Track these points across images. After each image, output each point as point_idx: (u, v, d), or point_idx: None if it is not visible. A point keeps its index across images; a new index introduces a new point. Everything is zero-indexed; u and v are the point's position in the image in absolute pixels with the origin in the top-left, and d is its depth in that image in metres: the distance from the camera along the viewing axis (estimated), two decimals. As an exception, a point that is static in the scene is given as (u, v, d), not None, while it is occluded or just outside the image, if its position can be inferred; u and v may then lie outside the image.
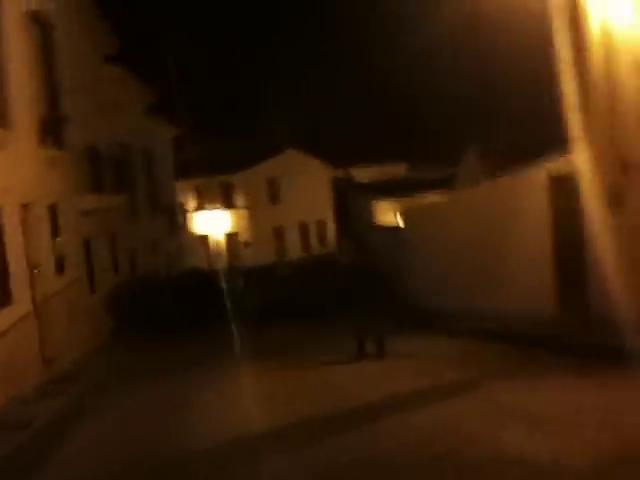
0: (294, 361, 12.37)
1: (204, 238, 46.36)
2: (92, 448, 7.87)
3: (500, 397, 7.82)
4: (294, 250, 45.61)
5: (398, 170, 52.25)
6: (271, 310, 19.34)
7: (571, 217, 11.27)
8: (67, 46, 15.87)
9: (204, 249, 45.36)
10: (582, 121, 10.26)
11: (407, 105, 46.75)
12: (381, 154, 50.74)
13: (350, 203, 49.40)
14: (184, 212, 41.53)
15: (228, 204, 46.59)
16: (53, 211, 13.47)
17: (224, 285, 20.36)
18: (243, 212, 46.34)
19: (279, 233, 46.99)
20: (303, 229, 47.88)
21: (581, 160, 10.84)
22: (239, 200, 46.43)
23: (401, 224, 24.71)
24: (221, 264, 38.32)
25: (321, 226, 48.55)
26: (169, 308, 18.66)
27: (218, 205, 46.64)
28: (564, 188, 11.42)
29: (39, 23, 14.05)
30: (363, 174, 51.88)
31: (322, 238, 48.14)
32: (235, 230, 46.91)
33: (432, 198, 29.75)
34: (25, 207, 11.55)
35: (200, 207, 46.64)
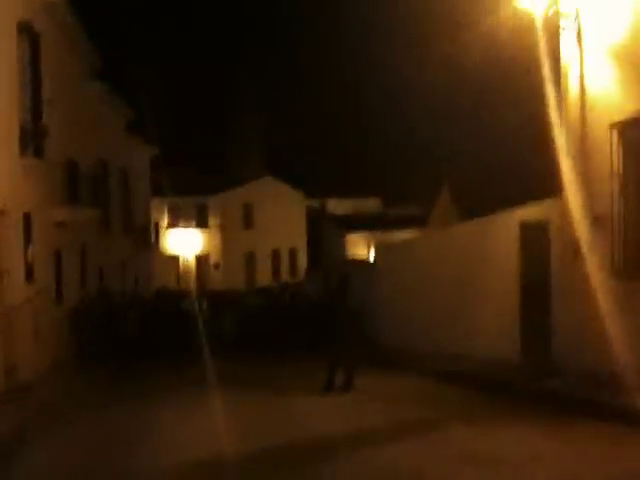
0: (260, 390, 12.32)
1: (174, 258, 46.16)
2: (43, 470, 7.71)
3: (458, 439, 7.96)
4: (264, 276, 45.57)
5: (372, 204, 52.74)
6: (239, 339, 19.29)
7: (539, 264, 11.53)
8: (52, 58, 15.93)
9: (174, 269, 45.13)
10: (560, 172, 10.58)
11: (385, 140, 47.38)
12: (356, 188, 51.23)
13: (323, 234, 49.68)
14: (157, 230, 41.37)
15: (201, 225, 46.55)
16: (27, 220, 13.41)
17: (194, 310, 20.08)
18: (215, 234, 46.28)
19: (250, 258, 46.96)
20: (275, 256, 47.92)
21: (552, 209, 11.16)
22: (212, 222, 46.41)
23: (372, 259, 24.95)
24: (190, 285, 38.12)
25: (293, 254, 48.66)
26: (131, 334, 17.49)
27: (191, 225, 46.56)
28: (533, 235, 11.68)
29: (27, 33, 14.11)
30: (338, 206, 52.29)
31: (293, 266, 48.21)
32: (206, 251, 46.80)
33: (404, 235, 30.04)
34: (0, 214, 11.52)
35: (173, 226, 46.52)
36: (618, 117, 9.44)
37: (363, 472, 6.74)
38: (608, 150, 9.59)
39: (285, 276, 46.59)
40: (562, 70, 10.51)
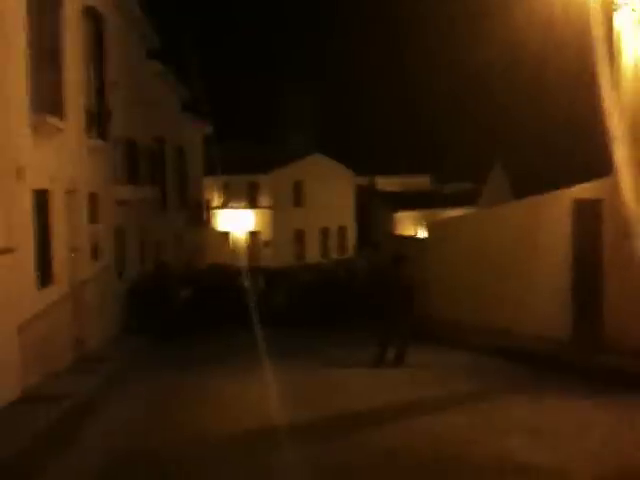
0: (311, 362, 12.75)
1: (226, 235, 46.95)
2: (118, 427, 8.34)
3: (507, 409, 8.25)
4: (313, 254, 46.06)
5: (422, 182, 52.61)
6: (295, 313, 19.71)
7: (592, 242, 11.63)
8: (115, 41, 16.49)
9: (225, 246, 45.93)
10: (613, 151, 10.63)
11: (436, 117, 47.08)
12: (406, 165, 51.15)
13: (372, 211, 49.82)
14: (209, 208, 42.11)
15: (252, 203, 47.15)
16: (92, 199, 14.03)
17: (246, 284, 20.66)
18: (266, 212, 46.85)
19: (300, 236, 47.44)
20: (324, 234, 48.30)
21: (606, 188, 11.23)
22: (263, 200, 46.95)
23: (423, 236, 25.10)
24: (241, 262, 38.80)
25: (342, 232, 48.95)
26: (181, 309, 18.15)
27: (243, 203, 47.23)
28: (586, 213, 11.77)
29: (92, 18, 14.65)
30: (387, 183, 52.31)
31: (342, 244, 48.55)
32: (257, 229, 47.44)
33: (454, 213, 30.06)
34: (69, 193, 12.13)
35: (225, 204, 47.26)
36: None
37: (413, 439, 7.05)
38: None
39: (334, 253, 47.03)
40: (616, 49, 10.52)
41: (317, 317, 19.11)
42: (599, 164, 11.45)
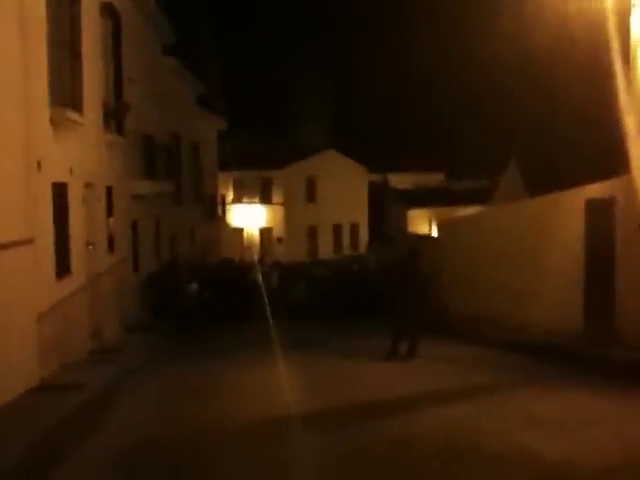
0: (326, 354, 12.91)
1: (239, 230, 47.16)
2: (136, 415, 8.52)
3: (519, 401, 8.34)
4: (325, 250, 46.18)
5: (436, 179, 52.56)
6: (314, 307, 19.88)
7: (604, 240, 11.68)
8: (132, 36, 16.66)
9: (238, 241, 46.14)
10: (627, 150, 10.70)
11: (450, 114, 47.03)
12: (420, 162, 51.14)
13: (385, 208, 49.84)
14: (223, 203, 42.34)
15: (266, 199, 47.31)
16: (109, 192, 14.22)
17: (260, 278, 20.88)
18: (279, 208, 47.00)
19: (313, 232, 47.56)
20: (336, 230, 48.39)
21: (619, 187, 11.29)
22: (277, 196, 47.10)
23: (435, 233, 25.17)
24: (254, 257, 39.00)
25: (354, 228, 49.02)
26: (192, 303, 18.36)
27: (256, 199, 47.41)
28: (599, 212, 11.83)
29: (110, 13, 14.80)
30: (400, 180, 52.29)
31: (354, 240, 48.63)
32: (270, 225, 47.61)
33: (468, 211, 30.08)
34: (87, 187, 12.31)
35: (238, 199, 47.46)
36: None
37: (427, 428, 7.16)
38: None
39: (346, 250, 47.15)
40: (632, 47, 10.56)
41: (335, 311, 19.33)
42: (613, 161, 11.51)
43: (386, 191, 51.33)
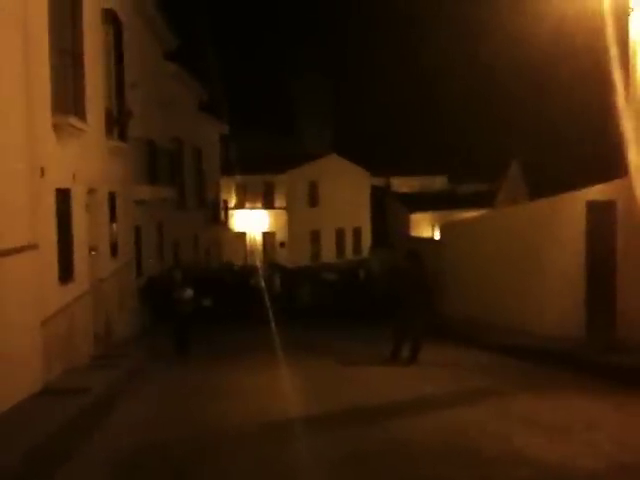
0: (328, 357, 12.93)
1: (242, 235, 47.24)
2: (138, 418, 8.58)
3: (518, 405, 8.39)
4: (328, 254, 46.24)
5: (438, 182, 52.64)
6: (317, 311, 19.90)
7: (605, 243, 11.71)
8: (134, 43, 16.77)
9: (241, 245, 46.22)
10: (627, 152, 10.75)
11: (453, 118, 47.09)
12: (422, 165, 51.21)
13: (388, 212, 49.91)
14: (226, 208, 42.43)
15: (268, 203, 47.39)
16: (112, 198, 14.30)
17: (262, 282, 20.86)
18: (282, 213, 47.08)
19: (315, 236, 47.62)
20: (339, 234, 48.45)
21: (619, 189, 11.33)
22: (279, 200, 47.20)
23: (437, 237, 25.20)
24: (257, 261, 39.07)
25: (357, 232, 49.09)
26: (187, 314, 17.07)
27: (258, 204, 47.50)
28: (600, 214, 11.86)
29: (111, 20, 14.91)
30: (403, 184, 52.38)
31: (357, 244, 48.70)
32: (272, 229, 47.68)
33: (471, 213, 30.12)
34: (90, 193, 12.39)
35: (241, 204, 47.55)
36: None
37: (425, 431, 7.22)
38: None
39: (349, 254, 47.22)
40: (630, 51, 10.61)
41: (340, 315, 19.36)
42: (614, 164, 11.56)
43: (389, 195, 51.42)
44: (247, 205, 47.52)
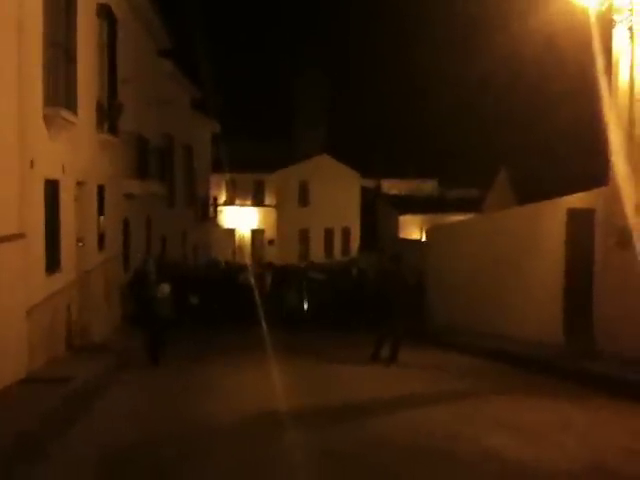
0: (318, 359, 13.07)
1: (231, 232, 47.36)
2: (120, 409, 8.72)
3: (492, 407, 8.60)
4: (317, 253, 46.39)
5: (429, 186, 52.90)
6: (307, 312, 19.83)
7: (584, 250, 11.93)
8: (127, 39, 16.88)
9: (230, 242, 46.33)
10: (608, 161, 10.99)
11: (445, 122, 47.36)
12: (413, 169, 51.45)
13: (377, 214, 50.15)
14: (215, 204, 42.50)
15: (258, 201, 47.55)
16: (101, 191, 14.42)
17: (251, 281, 20.57)
18: (272, 210, 47.24)
19: (304, 235, 47.80)
20: (328, 234, 48.65)
21: (599, 198, 11.56)
22: (269, 198, 47.35)
23: (424, 239, 25.40)
24: (246, 258, 39.16)
25: (346, 233, 49.29)
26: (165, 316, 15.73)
27: (249, 201, 47.64)
28: (580, 222, 12.08)
29: (106, 15, 15.01)
30: (393, 187, 52.62)
31: (345, 245, 48.91)
32: (262, 227, 47.83)
33: (459, 217, 30.36)
34: (79, 185, 12.51)
35: (231, 201, 47.68)
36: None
37: (402, 428, 7.44)
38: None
39: (337, 254, 47.41)
40: (613, 62, 10.85)
41: (331, 316, 19.24)
42: (597, 172, 11.79)
43: (379, 196, 51.66)
44: (237, 202, 47.67)
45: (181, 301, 15.72)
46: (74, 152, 12.03)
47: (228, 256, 40.27)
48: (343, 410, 8.56)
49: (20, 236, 9.14)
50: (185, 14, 24.76)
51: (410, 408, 8.64)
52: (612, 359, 10.52)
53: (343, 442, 6.95)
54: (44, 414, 7.50)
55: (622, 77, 10.74)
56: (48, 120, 10.45)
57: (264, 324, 15.87)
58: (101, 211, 14.55)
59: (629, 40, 10.47)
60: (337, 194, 47.02)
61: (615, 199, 10.89)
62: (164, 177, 21.83)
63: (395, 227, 46.74)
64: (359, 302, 19.00)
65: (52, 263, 10.71)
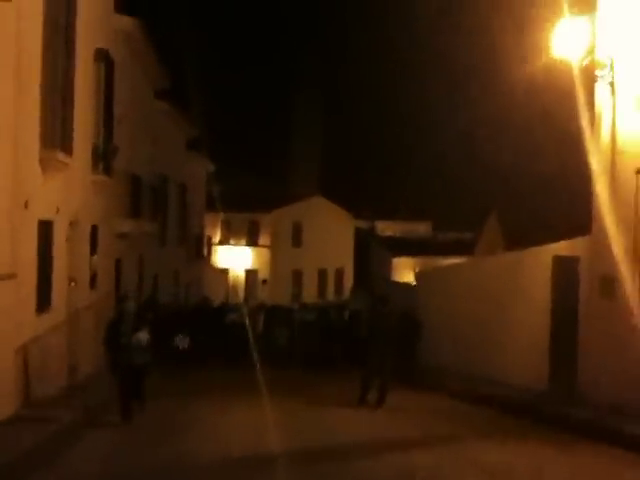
0: (303, 402, 12.96)
1: (225, 271, 47.45)
2: (100, 450, 8.76)
3: (475, 450, 8.71)
4: (310, 294, 46.45)
5: (422, 228, 53.33)
6: (295, 354, 19.81)
7: (569, 297, 12.12)
8: (124, 82, 17.23)
9: (224, 281, 46.39)
10: (591, 211, 11.25)
11: (438, 166, 47.96)
12: (407, 211, 51.96)
13: (370, 255, 50.39)
14: (209, 244, 42.67)
15: (252, 241, 47.76)
16: (94, 231, 14.60)
17: (244, 321, 20.48)
18: (265, 251, 47.42)
19: (298, 276, 47.92)
20: (322, 275, 48.78)
21: (583, 246, 11.79)
22: (263, 238, 47.56)
23: (414, 282, 25.52)
24: (240, 298, 39.18)
25: (339, 274, 49.45)
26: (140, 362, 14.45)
27: (242, 241, 47.85)
28: (565, 269, 12.30)
29: (104, 59, 15.36)
30: (387, 228, 53.03)
31: (339, 286, 49.03)
32: (255, 267, 47.95)
33: (450, 261, 30.57)
34: (72, 225, 12.69)
35: (225, 241, 47.89)
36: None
37: (386, 471, 7.57)
38: (633, 194, 10.22)
39: (330, 294, 47.49)
40: (596, 115, 11.17)
41: (321, 358, 19.21)
42: (582, 221, 12.04)
43: (372, 238, 51.98)
44: (231, 242, 47.90)
45: (167, 343, 15.63)
46: (68, 193, 12.24)
47: (221, 295, 40.28)
48: (327, 453, 8.65)
49: (11, 276, 9.28)
50: (182, 55, 25.24)
51: (394, 452, 8.73)
52: (595, 405, 10.63)
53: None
54: (20, 455, 7.54)
55: (604, 130, 11.04)
56: (44, 162, 10.67)
57: (255, 363, 15.89)
58: (94, 251, 14.71)
59: (610, 95, 10.78)
60: (331, 235, 47.30)
61: (598, 247, 11.11)
62: (157, 216, 22.03)
63: (388, 268, 46.92)
64: (349, 343, 19.03)
65: (43, 303, 10.82)
